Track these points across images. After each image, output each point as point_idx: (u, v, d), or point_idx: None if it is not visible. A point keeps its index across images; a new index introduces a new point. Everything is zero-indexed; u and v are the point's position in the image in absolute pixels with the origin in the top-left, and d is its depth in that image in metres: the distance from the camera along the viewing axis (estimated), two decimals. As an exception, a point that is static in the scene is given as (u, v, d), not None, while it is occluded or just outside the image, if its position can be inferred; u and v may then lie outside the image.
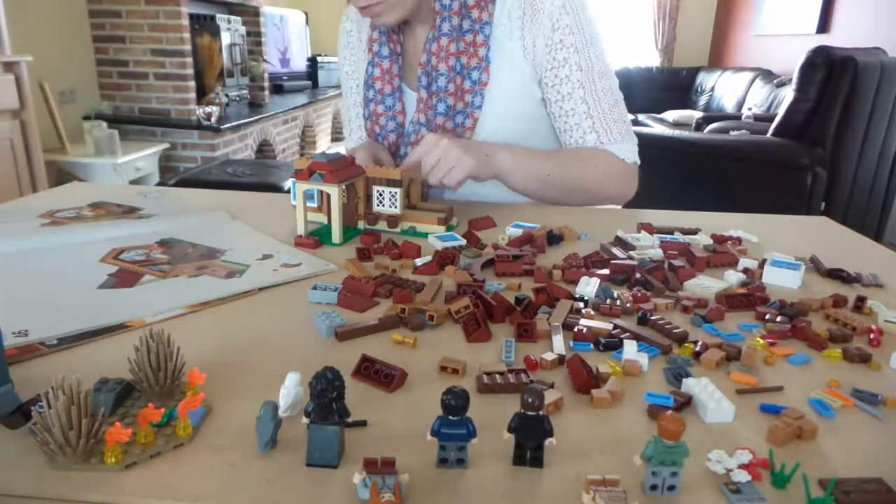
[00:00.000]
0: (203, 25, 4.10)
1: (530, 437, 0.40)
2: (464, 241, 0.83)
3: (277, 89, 5.34)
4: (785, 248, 0.85)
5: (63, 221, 0.89)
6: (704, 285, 0.70)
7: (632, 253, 0.81)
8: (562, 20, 1.00)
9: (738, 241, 0.89)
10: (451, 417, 0.39)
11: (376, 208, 0.89)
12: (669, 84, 6.79)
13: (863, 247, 0.91)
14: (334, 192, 0.81)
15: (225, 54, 4.32)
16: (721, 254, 0.80)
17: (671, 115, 6.09)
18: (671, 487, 0.38)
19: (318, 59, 6.06)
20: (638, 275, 0.72)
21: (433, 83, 1.04)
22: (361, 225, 0.90)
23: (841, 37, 4.68)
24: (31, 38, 3.01)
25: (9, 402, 0.42)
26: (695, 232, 0.92)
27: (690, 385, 0.48)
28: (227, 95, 4.25)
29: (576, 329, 0.58)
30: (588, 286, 0.68)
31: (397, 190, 0.86)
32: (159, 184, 1.13)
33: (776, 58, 5.62)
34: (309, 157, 0.84)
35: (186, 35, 3.67)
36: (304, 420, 0.40)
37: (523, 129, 1.07)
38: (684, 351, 0.56)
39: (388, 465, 0.37)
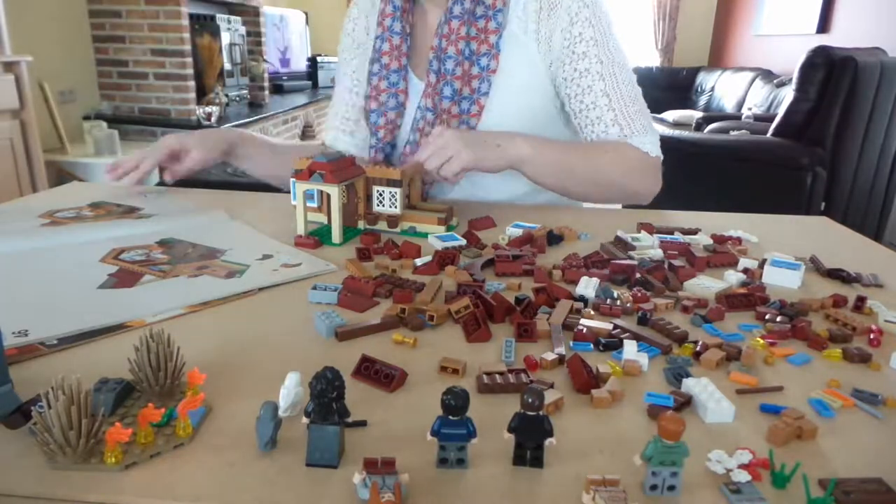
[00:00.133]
0: (203, 25, 4.10)
1: (530, 437, 0.40)
2: (464, 241, 0.83)
3: (277, 89, 5.34)
4: (785, 248, 0.85)
5: (63, 221, 0.89)
6: (704, 285, 0.70)
7: (632, 253, 0.81)
8: (580, 13, 0.99)
9: (738, 241, 0.89)
10: (451, 417, 0.39)
11: (376, 208, 0.89)
12: (669, 84, 6.79)
13: (863, 247, 0.91)
14: (334, 192, 0.81)
15: (225, 54, 4.32)
16: (721, 254, 0.80)
17: (671, 115, 6.09)
18: (671, 487, 0.38)
19: (318, 59, 6.05)
20: (638, 275, 0.72)
21: (441, 66, 1.03)
22: (361, 225, 0.90)
23: (841, 37, 4.68)
24: (31, 38, 3.01)
25: (9, 402, 0.42)
26: (695, 232, 0.92)
27: (690, 385, 0.48)
28: (227, 95, 4.25)
29: (576, 329, 0.58)
30: (588, 286, 0.68)
31: (397, 190, 0.86)
32: (159, 183, 1.13)
33: (776, 58, 5.62)
34: (309, 158, 0.84)
35: (186, 35, 3.67)
36: (304, 420, 0.40)
37: (531, 123, 1.04)
38: (684, 351, 0.56)
39: (388, 465, 0.37)
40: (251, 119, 4.12)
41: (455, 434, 0.39)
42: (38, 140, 2.72)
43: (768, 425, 0.44)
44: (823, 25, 4.93)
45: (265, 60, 4.98)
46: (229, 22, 4.41)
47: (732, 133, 3.75)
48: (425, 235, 0.87)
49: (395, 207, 0.88)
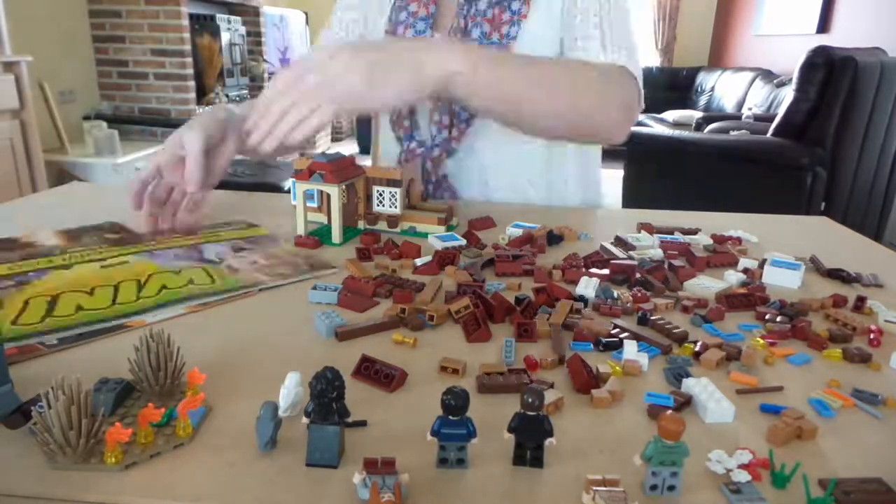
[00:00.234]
0: (203, 25, 4.11)
1: (530, 437, 0.40)
2: (464, 241, 0.83)
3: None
4: (785, 248, 0.85)
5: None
6: (704, 285, 0.70)
7: (632, 253, 0.81)
8: None
9: (738, 241, 0.89)
10: (451, 417, 0.39)
11: (376, 208, 0.89)
12: (669, 84, 6.80)
13: (863, 247, 0.91)
14: (334, 192, 0.81)
15: (225, 54, 4.32)
16: (721, 254, 0.80)
17: (671, 115, 6.09)
18: (671, 487, 0.38)
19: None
20: (638, 275, 0.72)
21: (473, 7, 0.99)
22: (361, 225, 0.90)
23: (841, 37, 4.68)
24: (31, 38, 3.01)
25: (9, 402, 0.42)
26: (695, 232, 0.92)
27: (690, 385, 0.48)
28: (227, 95, 4.25)
29: (576, 329, 0.58)
30: (588, 286, 0.68)
31: (397, 190, 0.86)
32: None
33: (776, 58, 5.62)
34: (309, 157, 0.84)
35: (186, 35, 3.67)
36: (304, 420, 0.40)
37: None
38: (684, 351, 0.56)
39: (388, 465, 0.37)
40: (251, 119, 4.11)
41: (455, 434, 0.39)
42: (38, 140, 2.72)
43: (768, 425, 0.44)
44: (823, 25, 4.93)
45: (265, 60, 4.98)
46: (229, 22, 4.41)
47: (732, 133, 3.75)
48: (425, 235, 0.87)
49: (395, 207, 0.88)
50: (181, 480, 0.38)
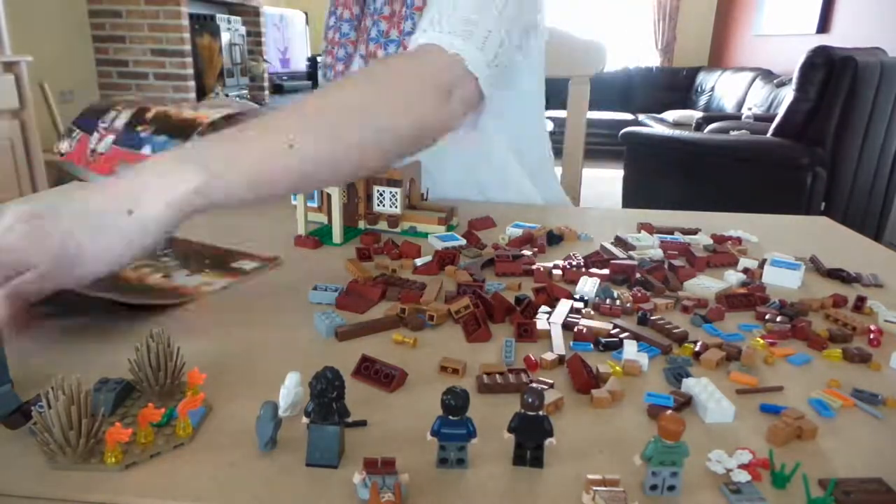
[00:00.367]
0: (203, 25, 4.11)
1: (530, 437, 0.40)
2: (464, 241, 0.83)
3: (277, 89, 5.34)
4: (785, 248, 0.85)
5: None
6: (704, 285, 0.70)
7: (632, 253, 0.81)
8: None
9: (738, 241, 0.89)
10: (451, 417, 0.39)
11: (376, 208, 0.89)
12: (669, 84, 6.80)
13: (863, 247, 0.91)
14: (335, 192, 0.81)
15: (225, 54, 4.32)
16: (721, 254, 0.80)
17: (671, 115, 6.09)
18: (671, 487, 0.38)
19: (318, 59, 6.06)
20: (638, 275, 0.72)
21: (372, 4, 0.96)
22: (362, 225, 0.90)
23: (841, 37, 4.68)
24: (31, 38, 3.01)
25: (9, 402, 0.42)
26: (695, 232, 0.92)
27: (690, 385, 0.48)
28: (227, 95, 4.25)
29: (576, 329, 0.58)
30: (588, 286, 0.68)
31: (397, 190, 0.86)
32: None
33: (776, 58, 5.62)
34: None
35: (186, 35, 3.67)
36: (304, 420, 0.40)
37: None
38: (684, 351, 0.56)
39: (388, 465, 0.37)
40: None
41: (455, 434, 0.39)
42: (38, 140, 2.72)
43: (768, 425, 0.44)
44: (823, 25, 4.93)
45: (265, 60, 4.98)
46: (229, 22, 4.41)
47: (732, 133, 3.75)
48: (425, 235, 0.87)
49: (396, 207, 0.88)
50: (181, 480, 0.38)
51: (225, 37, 4.31)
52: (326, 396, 0.39)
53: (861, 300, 0.67)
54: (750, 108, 5.18)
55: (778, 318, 0.62)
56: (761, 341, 0.58)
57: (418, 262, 0.76)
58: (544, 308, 0.63)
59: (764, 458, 0.40)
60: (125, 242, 0.50)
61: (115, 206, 0.51)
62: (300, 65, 5.97)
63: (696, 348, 0.55)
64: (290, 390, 0.44)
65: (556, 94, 1.29)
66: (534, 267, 0.74)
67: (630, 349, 0.54)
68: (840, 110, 2.78)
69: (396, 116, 0.68)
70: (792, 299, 0.68)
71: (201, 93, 4.02)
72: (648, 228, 0.92)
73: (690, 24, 6.98)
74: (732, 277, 0.73)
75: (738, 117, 4.89)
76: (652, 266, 0.75)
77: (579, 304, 0.64)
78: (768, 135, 3.02)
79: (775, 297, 0.68)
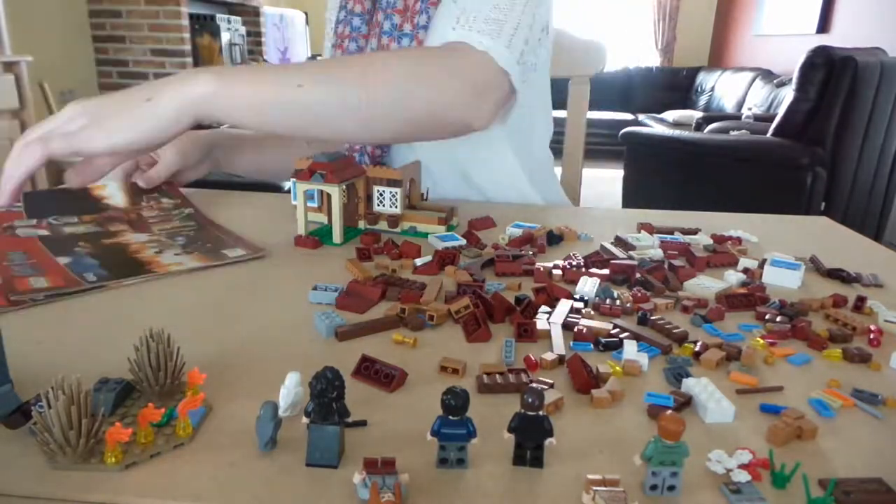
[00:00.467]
0: (203, 25, 4.11)
1: (530, 437, 0.40)
2: (464, 241, 0.83)
3: (277, 89, 5.34)
4: (785, 248, 0.85)
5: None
6: (704, 285, 0.70)
7: (632, 253, 0.81)
8: None
9: (738, 241, 0.89)
10: (451, 417, 0.39)
11: (376, 208, 0.89)
12: (669, 84, 6.80)
13: (863, 247, 0.91)
14: (335, 192, 0.81)
15: (225, 54, 4.32)
16: (721, 254, 0.80)
17: (671, 115, 6.09)
18: (671, 487, 0.38)
19: (319, 58, 6.06)
20: (638, 275, 0.72)
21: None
22: (362, 225, 0.90)
23: (841, 37, 4.68)
24: (31, 38, 3.02)
25: (9, 402, 0.42)
26: (695, 232, 0.92)
27: (690, 385, 0.48)
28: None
29: (576, 329, 0.58)
30: (588, 286, 0.68)
31: (397, 190, 0.87)
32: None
33: (776, 58, 5.62)
34: (309, 157, 0.84)
35: (186, 35, 3.67)
36: (304, 420, 0.40)
37: None
38: (684, 351, 0.56)
39: (388, 465, 0.37)
40: (251, 119, 4.11)
41: (455, 434, 0.39)
42: (38, 140, 2.72)
43: (768, 425, 0.44)
44: (823, 25, 4.93)
45: (265, 60, 4.98)
46: (229, 22, 4.41)
47: (732, 133, 3.76)
48: (425, 235, 0.87)
49: (396, 207, 0.88)
50: (181, 480, 0.38)
51: (225, 37, 4.31)
52: (326, 396, 0.39)
53: (861, 300, 0.67)
54: (750, 108, 5.18)
55: (778, 318, 0.62)
56: (761, 341, 0.58)
57: (418, 262, 0.76)
58: (544, 308, 0.63)
59: (764, 458, 0.40)
60: (137, 121, 0.66)
61: (140, 94, 0.67)
62: (300, 65, 5.96)
63: (696, 348, 0.55)
64: (290, 390, 0.44)
65: (556, 94, 1.29)
66: (534, 267, 0.74)
67: (630, 349, 0.54)
68: (840, 110, 2.78)
69: (427, 102, 0.73)
70: (792, 299, 0.68)
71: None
72: (648, 228, 0.92)
73: (690, 24, 6.98)
74: (732, 277, 0.73)
75: (738, 117, 4.89)
76: (652, 266, 0.75)
77: (579, 304, 0.64)
78: (768, 135, 3.02)
79: (775, 297, 0.68)
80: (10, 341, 0.45)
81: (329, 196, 0.83)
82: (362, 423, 0.44)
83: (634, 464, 0.38)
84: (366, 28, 1.01)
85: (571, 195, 1.32)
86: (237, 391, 0.48)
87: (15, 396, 0.43)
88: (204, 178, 1.06)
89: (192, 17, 3.83)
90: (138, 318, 0.60)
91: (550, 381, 0.50)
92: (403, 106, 0.74)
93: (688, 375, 0.51)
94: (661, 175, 3.11)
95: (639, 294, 0.67)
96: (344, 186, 0.82)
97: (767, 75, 5.39)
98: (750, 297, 0.67)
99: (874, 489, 0.39)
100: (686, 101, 6.57)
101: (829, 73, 2.76)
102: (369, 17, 1.01)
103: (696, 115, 5.48)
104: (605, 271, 0.73)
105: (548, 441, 0.40)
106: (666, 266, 0.76)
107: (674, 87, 6.75)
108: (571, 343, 0.57)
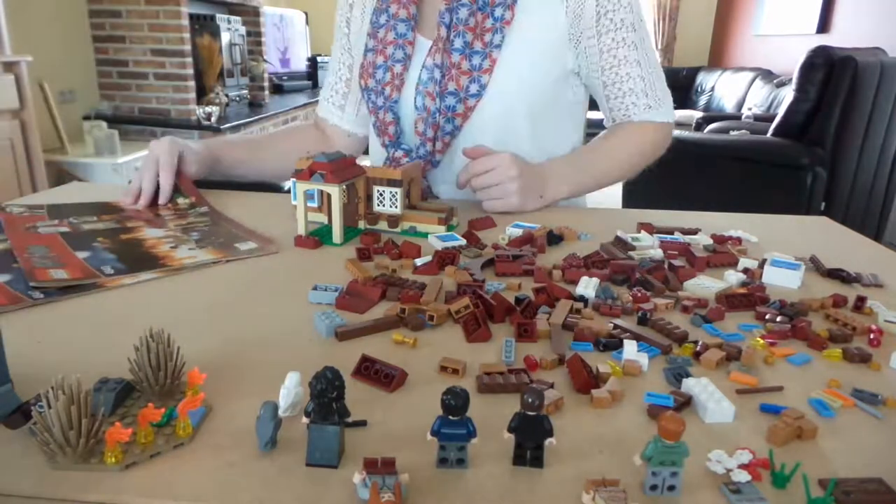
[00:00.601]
0: (203, 25, 4.10)
1: (530, 437, 0.40)
2: (464, 241, 0.83)
3: (277, 89, 5.35)
4: (785, 248, 0.85)
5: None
6: (704, 285, 0.70)
7: (632, 253, 0.81)
8: None
9: (738, 241, 0.89)
10: (451, 417, 0.39)
11: (377, 208, 0.89)
12: (669, 84, 6.76)
13: (863, 247, 0.91)
14: (335, 192, 0.81)
15: (225, 54, 4.32)
16: (721, 254, 0.80)
17: (671, 115, 6.05)
18: (671, 487, 0.38)
19: (318, 58, 6.05)
20: (638, 275, 0.72)
21: (454, 16, 0.99)
22: (362, 225, 0.90)
23: (841, 37, 4.68)
24: (31, 38, 3.01)
25: (9, 402, 0.42)
26: (695, 232, 0.92)
27: (690, 385, 0.48)
28: (227, 95, 4.25)
29: (576, 329, 0.58)
30: (588, 286, 0.68)
31: (397, 190, 0.86)
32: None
33: (776, 58, 5.62)
34: (309, 157, 0.84)
35: (186, 35, 3.67)
36: (304, 420, 0.40)
37: (541, 85, 1.04)
38: (684, 351, 0.56)
39: (388, 465, 0.37)
40: (251, 119, 4.12)
41: (455, 434, 0.39)
42: (38, 140, 2.72)
43: (768, 425, 0.44)
44: (823, 25, 4.93)
45: (265, 60, 4.98)
46: (229, 22, 4.41)
47: (732, 133, 3.75)
48: (425, 235, 0.87)
49: (396, 207, 0.88)
50: (181, 480, 0.38)
51: (225, 37, 4.31)
52: (326, 396, 0.39)
53: (861, 300, 0.67)
54: (750, 108, 5.18)
55: (778, 318, 0.62)
56: (761, 341, 0.58)
57: (418, 262, 0.76)
58: (544, 308, 0.63)
59: (764, 458, 0.40)
60: (533, 207, 1.02)
61: (542, 187, 1.03)
62: (300, 65, 5.96)
63: (696, 348, 0.55)
64: (290, 390, 0.44)
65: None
66: (534, 267, 0.74)
67: (630, 349, 0.54)
68: (840, 110, 2.78)
69: (630, 169, 1.12)
70: (792, 299, 0.68)
71: (201, 93, 4.02)
72: (648, 228, 0.92)
73: (690, 24, 6.98)
74: (732, 277, 0.73)
75: (738, 117, 4.89)
76: (652, 266, 0.75)
77: (579, 304, 0.64)
78: (768, 135, 3.02)
79: (775, 297, 0.68)
80: (10, 341, 0.45)
81: (329, 196, 0.83)
82: (362, 423, 0.44)
83: (634, 464, 0.38)
84: (412, 35, 1.04)
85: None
86: (237, 391, 0.48)
87: (15, 396, 0.43)
88: (204, 178, 1.06)
89: (192, 17, 3.83)
90: (138, 318, 0.60)
91: (550, 381, 0.50)
92: (632, 174, 1.14)
93: (688, 375, 0.51)
94: (661, 175, 3.10)
95: (639, 294, 0.67)
96: (344, 186, 0.82)
97: (767, 75, 5.38)
98: (750, 297, 0.67)
99: (874, 489, 0.39)
100: (686, 101, 6.57)
101: (829, 73, 2.76)
102: (415, 22, 1.04)
103: (697, 115, 5.47)
104: (605, 271, 0.73)
105: (548, 441, 0.40)
106: (666, 266, 0.76)
107: (674, 86, 6.69)
108: (571, 343, 0.57)
